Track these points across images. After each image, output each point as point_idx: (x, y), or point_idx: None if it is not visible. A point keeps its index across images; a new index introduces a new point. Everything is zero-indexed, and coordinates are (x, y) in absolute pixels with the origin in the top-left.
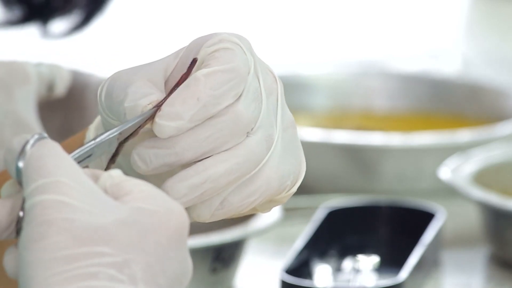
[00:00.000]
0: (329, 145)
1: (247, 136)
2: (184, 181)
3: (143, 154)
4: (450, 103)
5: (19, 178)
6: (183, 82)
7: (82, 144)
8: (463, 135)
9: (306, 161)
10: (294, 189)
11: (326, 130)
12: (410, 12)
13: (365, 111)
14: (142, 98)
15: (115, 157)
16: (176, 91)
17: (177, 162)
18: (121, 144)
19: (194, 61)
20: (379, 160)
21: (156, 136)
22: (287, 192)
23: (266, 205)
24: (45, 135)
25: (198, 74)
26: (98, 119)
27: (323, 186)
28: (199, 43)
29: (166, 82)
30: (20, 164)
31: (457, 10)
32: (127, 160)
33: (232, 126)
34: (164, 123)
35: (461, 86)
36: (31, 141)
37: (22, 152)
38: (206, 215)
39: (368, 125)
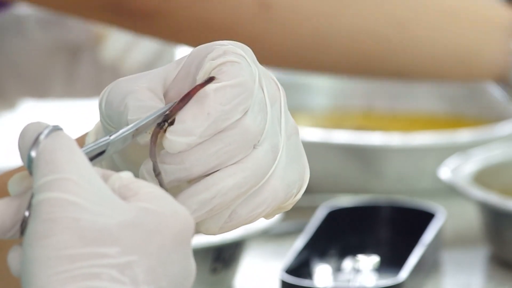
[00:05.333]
0: (329, 145)
1: (254, 148)
2: (194, 197)
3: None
4: (450, 103)
5: (30, 167)
6: (194, 94)
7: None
8: (463, 135)
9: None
10: (299, 195)
11: (326, 130)
12: None
13: (365, 111)
14: (147, 112)
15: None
16: (186, 106)
17: (186, 177)
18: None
19: (210, 79)
20: (379, 160)
21: (163, 150)
22: (292, 199)
23: (272, 212)
24: (60, 126)
25: (207, 89)
26: (98, 124)
27: (323, 186)
28: (202, 52)
29: (167, 91)
30: (33, 153)
31: None
32: (136, 172)
33: (240, 139)
34: (175, 139)
35: (461, 86)
36: (46, 131)
37: (35, 141)
38: (215, 229)
39: (368, 125)
